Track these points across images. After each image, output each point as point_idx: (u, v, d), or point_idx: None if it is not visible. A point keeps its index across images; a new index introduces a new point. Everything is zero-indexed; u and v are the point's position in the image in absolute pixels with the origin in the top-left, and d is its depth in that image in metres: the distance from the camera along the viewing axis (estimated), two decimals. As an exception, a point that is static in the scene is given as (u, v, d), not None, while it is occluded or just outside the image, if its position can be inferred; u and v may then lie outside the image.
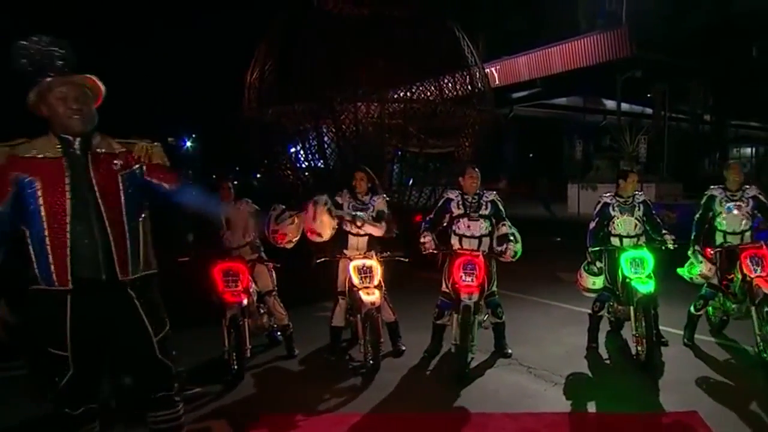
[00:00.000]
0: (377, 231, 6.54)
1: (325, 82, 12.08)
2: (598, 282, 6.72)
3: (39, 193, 3.12)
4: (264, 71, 12.92)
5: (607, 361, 6.57)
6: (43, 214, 3.13)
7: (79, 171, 3.20)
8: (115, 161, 3.30)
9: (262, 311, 6.74)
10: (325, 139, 13.09)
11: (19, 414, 5.26)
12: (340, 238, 6.58)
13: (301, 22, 12.94)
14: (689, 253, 6.71)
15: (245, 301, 6.18)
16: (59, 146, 3.20)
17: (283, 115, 12.86)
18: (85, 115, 3.23)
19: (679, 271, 6.91)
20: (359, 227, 6.49)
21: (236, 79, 14.06)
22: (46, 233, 3.13)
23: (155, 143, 3.22)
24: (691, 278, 6.83)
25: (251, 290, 6.46)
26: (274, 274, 6.93)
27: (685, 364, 6.29)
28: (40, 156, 3.17)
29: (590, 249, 6.58)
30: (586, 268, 6.73)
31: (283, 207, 6.54)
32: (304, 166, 14.30)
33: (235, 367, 6.07)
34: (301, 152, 14.00)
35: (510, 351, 6.63)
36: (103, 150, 3.30)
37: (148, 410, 3.49)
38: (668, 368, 6.12)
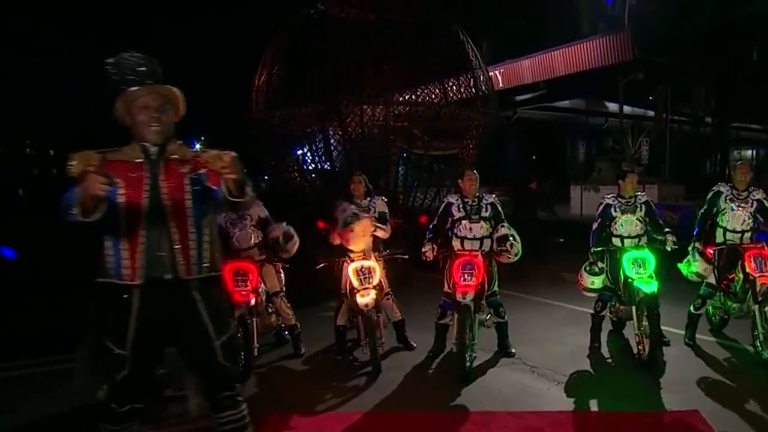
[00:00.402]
0: (385, 233, 6.68)
1: (331, 85, 12.12)
2: (597, 282, 6.79)
3: (121, 191, 3.27)
4: (272, 74, 12.99)
5: (609, 361, 6.63)
6: (122, 212, 3.27)
7: (155, 175, 3.35)
8: (185, 166, 3.43)
9: (270, 311, 6.82)
10: (332, 141, 13.14)
11: (19, 414, 5.35)
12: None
13: (307, 27, 12.99)
14: (689, 248, 6.81)
15: (253, 301, 6.27)
16: (141, 153, 3.36)
17: (290, 117, 12.92)
18: (163, 125, 3.37)
19: (679, 265, 7.00)
20: (373, 232, 6.58)
21: (245, 82, 14.11)
22: (124, 230, 3.28)
23: (229, 152, 3.29)
24: (688, 275, 6.92)
25: (260, 290, 6.55)
26: (282, 275, 7.01)
27: (687, 364, 6.35)
28: (126, 160, 3.33)
29: (593, 249, 6.66)
30: (587, 268, 6.80)
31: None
32: (311, 167, 14.35)
33: (242, 365, 6.15)
34: (308, 154, 14.05)
35: (513, 350, 6.68)
36: (176, 156, 3.43)
37: (212, 412, 3.55)
38: (670, 367, 6.18)
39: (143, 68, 3.34)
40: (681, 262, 6.97)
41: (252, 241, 6.77)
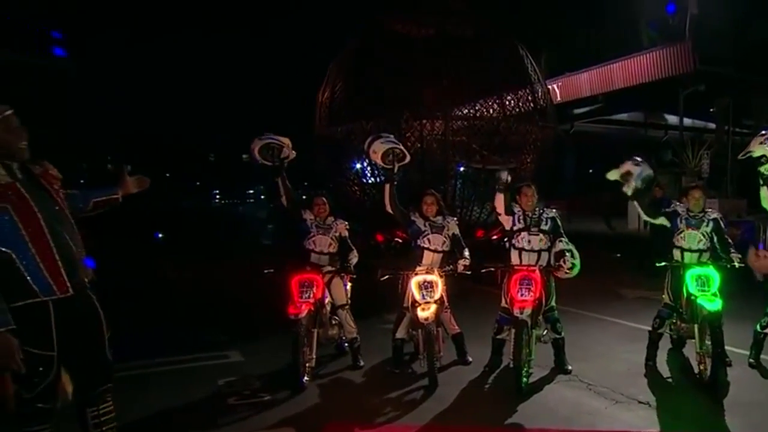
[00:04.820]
0: (467, 261, 6.65)
1: (392, 100, 12.22)
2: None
3: (15, 218, 3.35)
4: (334, 91, 13.17)
5: (669, 380, 6.53)
6: (24, 235, 3.37)
7: (35, 191, 3.50)
8: (53, 179, 3.66)
9: (333, 322, 6.95)
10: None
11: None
12: (415, 253, 6.72)
13: (370, 43, 13.14)
14: None
15: (314, 309, 6.41)
16: (4, 172, 3.44)
17: (352, 132, 13.06)
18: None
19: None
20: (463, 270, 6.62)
21: (308, 97, 14.36)
22: (34, 251, 3.38)
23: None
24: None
25: (325, 301, 6.69)
26: (348, 288, 7.12)
27: (750, 385, 6.22)
28: None
29: (656, 263, 6.55)
30: None
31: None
32: (370, 181, 14.46)
33: (306, 378, 6.28)
34: (368, 168, 14.17)
35: (570, 367, 6.65)
36: (39, 169, 3.63)
37: (90, 405, 3.69)
38: (732, 389, 6.04)
39: None
40: (746, 282, 6.77)
41: (327, 249, 6.91)
